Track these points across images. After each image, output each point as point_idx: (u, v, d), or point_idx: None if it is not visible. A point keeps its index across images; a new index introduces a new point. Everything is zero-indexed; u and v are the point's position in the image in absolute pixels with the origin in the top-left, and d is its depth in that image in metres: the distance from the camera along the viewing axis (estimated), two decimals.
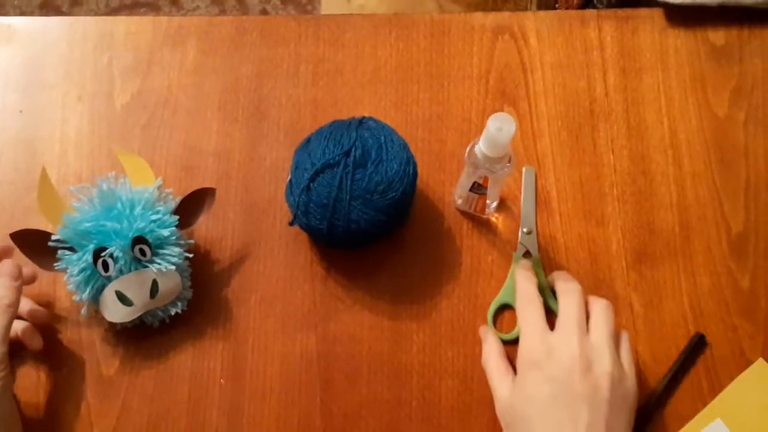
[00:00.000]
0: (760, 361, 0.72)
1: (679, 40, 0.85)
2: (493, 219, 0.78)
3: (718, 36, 0.85)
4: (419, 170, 0.73)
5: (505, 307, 0.74)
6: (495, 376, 0.68)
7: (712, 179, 0.79)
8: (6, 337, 0.65)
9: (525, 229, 0.76)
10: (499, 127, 0.62)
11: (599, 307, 0.68)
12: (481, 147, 0.65)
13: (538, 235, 0.76)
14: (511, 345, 0.72)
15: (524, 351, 0.66)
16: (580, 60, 0.84)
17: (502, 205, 0.78)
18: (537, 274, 0.74)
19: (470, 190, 0.72)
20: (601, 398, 0.62)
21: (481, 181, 0.70)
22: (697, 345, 0.72)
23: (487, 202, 0.75)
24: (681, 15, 0.85)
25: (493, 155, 0.65)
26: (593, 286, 0.75)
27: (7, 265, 0.68)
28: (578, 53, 0.84)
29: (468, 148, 0.68)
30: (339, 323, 0.74)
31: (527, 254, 0.75)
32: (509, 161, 0.67)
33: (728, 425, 0.69)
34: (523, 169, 0.78)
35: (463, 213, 0.78)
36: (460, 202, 0.77)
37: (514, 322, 0.73)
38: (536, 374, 0.64)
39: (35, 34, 0.86)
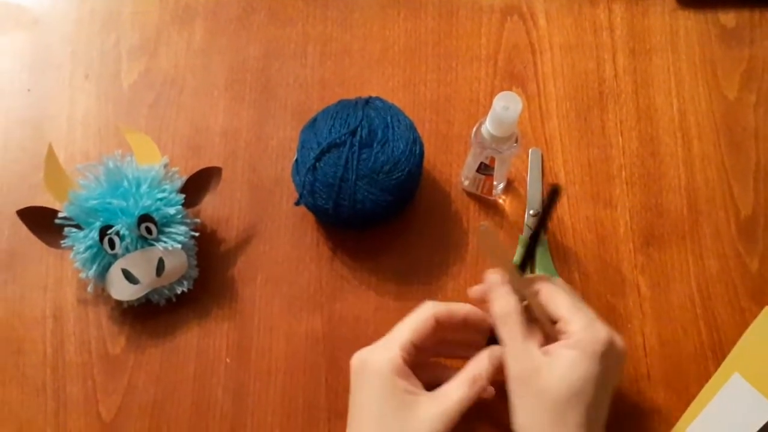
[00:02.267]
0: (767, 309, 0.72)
1: (690, 21, 0.84)
2: (501, 200, 0.77)
3: (728, 18, 0.84)
4: (426, 151, 0.73)
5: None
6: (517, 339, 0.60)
7: (722, 162, 0.78)
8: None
9: (531, 211, 0.76)
10: (506, 106, 0.62)
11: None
12: (487, 126, 0.65)
13: None
14: None
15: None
16: (590, 41, 0.83)
17: (510, 187, 0.77)
18: (543, 258, 0.73)
19: (477, 171, 0.72)
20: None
21: (488, 162, 0.70)
22: (554, 194, 0.61)
23: (494, 183, 0.75)
24: None
25: (500, 135, 0.65)
26: (600, 268, 0.74)
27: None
28: (587, 34, 0.84)
29: (475, 128, 0.68)
30: (345, 304, 0.74)
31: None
32: (516, 141, 0.67)
33: (747, 378, 0.69)
34: (530, 151, 0.78)
35: (470, 194, 0.78)
36: (467, 183, 0.77)
37: None
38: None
39: (43, 13, 0.86)
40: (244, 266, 0.75)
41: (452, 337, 0.64)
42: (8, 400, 0.71)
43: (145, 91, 0.82)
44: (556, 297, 0.61)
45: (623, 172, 0.78)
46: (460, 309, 0.63)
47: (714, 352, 0.71)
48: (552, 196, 0.60)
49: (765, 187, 0.77)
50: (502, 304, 0.60)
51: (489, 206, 0.77)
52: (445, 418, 0.57)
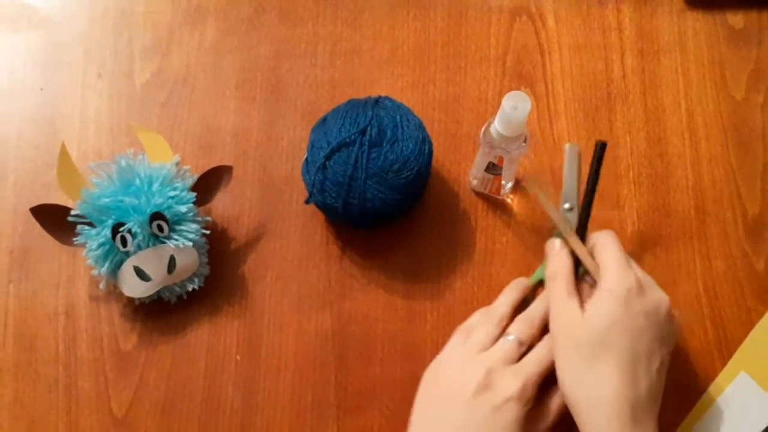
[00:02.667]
0: None
1: (698, 22, 0.84)
2: (509, 200, 0.78)
3: (736, 19, 0.84)
4: (435, 151, 0.73)
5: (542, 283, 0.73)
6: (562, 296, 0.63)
7: (729, 162, 0.78)
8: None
9: (567, 205, 0.74)
10: (514, 105, 0.62)
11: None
12: (496, 126, 0.65)
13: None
14: None
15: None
16: (598, 42, 0.84)
17: (518, 186, 0.78)
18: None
19: (485, 170, 0.73)
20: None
21: (496, 162, 0.71)
22: (601, 152, 0.67)
23: (503, 182, 0.75)
24: None
25: (509, 134, 0.65)
26: None
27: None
28: (596, 35, 0.84)
29: (483, 128, 0.68)
30: (354, 302, 0.75)
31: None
32: (524, 141, 0.67)
33: (753, 377, 0.70)
34: (567, 146, 0.75)
35: (479, 194, 0.78)
36: (475, 183, 0.77)
37: None
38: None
39: (56, 12, 0.87)
40: (254, 264, 0.76)
41: None
42: (20, 396, 0.72)
43: (157, 91, 0.83)
44: (607, 247, 0.63)
45: (631, 173, 0.78)
46: None
47: (720, 352, 0.72)
48: (600, 152, 0.65)
49: None
50: (554, 265, 0.65)
51: (497, 206, 0.77)
52: None
